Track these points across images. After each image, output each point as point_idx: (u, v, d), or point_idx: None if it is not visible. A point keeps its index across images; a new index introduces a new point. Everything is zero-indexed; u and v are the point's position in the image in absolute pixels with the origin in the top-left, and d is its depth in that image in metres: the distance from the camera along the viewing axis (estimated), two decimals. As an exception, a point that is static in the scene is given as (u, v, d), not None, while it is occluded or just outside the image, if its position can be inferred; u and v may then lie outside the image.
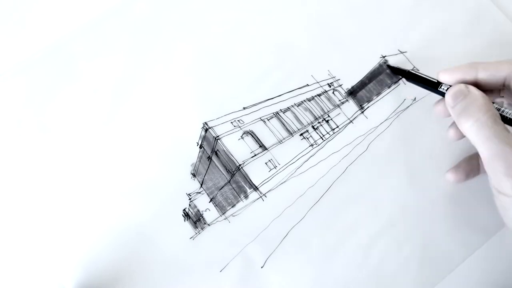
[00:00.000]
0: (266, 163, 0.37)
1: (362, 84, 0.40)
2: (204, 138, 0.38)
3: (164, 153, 0.37)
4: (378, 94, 0.39)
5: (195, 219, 0.36)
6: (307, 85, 0.39)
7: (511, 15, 0.41)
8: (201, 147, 0.38)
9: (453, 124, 0.33)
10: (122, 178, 0.37)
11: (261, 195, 0.37)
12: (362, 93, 0.40)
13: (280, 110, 0.39)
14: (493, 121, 0.27)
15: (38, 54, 0.40)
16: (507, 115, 0.29)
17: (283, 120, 0.39)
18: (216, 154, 0.38)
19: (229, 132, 0.38)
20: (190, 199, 0.36)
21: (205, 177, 0.37)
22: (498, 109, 0.29)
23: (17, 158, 0.37)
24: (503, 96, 0.33)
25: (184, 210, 0.36)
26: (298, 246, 0.35)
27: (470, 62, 0.32)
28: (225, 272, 0.35)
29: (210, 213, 0.36)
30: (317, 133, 0.39)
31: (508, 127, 0.29)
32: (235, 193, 0.37)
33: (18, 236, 0.35)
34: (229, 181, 0.37)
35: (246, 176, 0.37)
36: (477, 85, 0.30)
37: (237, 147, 0.38)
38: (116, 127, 0.38)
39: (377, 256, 0.35)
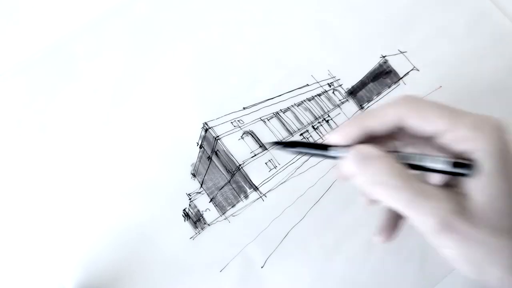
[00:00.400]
0: (266, 163, 0.37)
1: (362, 84, 0.40)
2: (204, 138, 0.38)
3: (164, 153, 0.37)
4: (378, 94, 0.39)
5: (195, 219, 0.36)
6: (307, 85, 0.39)
7: (511, 15, 0.41)
8: (201, 147, 0.38)
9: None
10: (122, 178, 0.37)
11: (261, 195, 0.37)
12: (362, 93, 0.40)
13: (280, 110, 0.39)
14: (404, 182, 0.25)
15: (38, 54, 0.40)
16: (413, 163, 0.26)
17: (283, 120, 0.39)
18: (216, 154, 0.38)
19: (229, 132, 0.38)
20: (190, 199, 0.36)
21: (205, 177, 0.37)
22: (403, 158, 0.26)
23: (17, 158, 0.37)
24: (395, 139, 0.29)
25: (184, 210, 0.36)
26: (298, 246, 0.35)
27: (356, 115, 0.29)
28: (225, 272, 0.35)
29: (210, 213, 0.36)
30: (317, 133, 0.39)
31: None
32: (235, 193, 0.37)
33: (18, 236, 0.35)
34: (229, 181, 0.37)
35: (246, 176, 0.37)
36: (369, 138, 0.27)
37: (237, 147, 0.38)
38: (116, 127, 0.38)
39: (377, 256, 0.35)
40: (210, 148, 0.38)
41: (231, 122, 0.38)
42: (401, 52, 0.40)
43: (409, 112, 0.26)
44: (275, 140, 0.34)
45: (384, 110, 0.27)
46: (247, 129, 0.38)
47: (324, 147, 0.28)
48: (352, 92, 0.39)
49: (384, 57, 0.40)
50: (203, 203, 0.37)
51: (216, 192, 0.37)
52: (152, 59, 0.40)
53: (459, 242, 0.25)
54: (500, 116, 0.38)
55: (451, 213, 0.24)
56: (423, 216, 0.25)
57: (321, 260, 0.35)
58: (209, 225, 0.36)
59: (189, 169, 0.37)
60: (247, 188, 0.37)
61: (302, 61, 0.40)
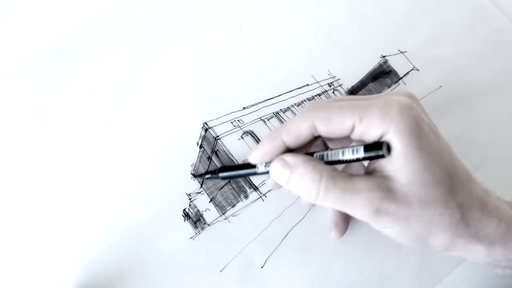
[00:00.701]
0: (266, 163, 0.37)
1: (362, 84, 0.40)
2: (204, 138, 0.38)
3: (164, 153, 0.37)
4: (379, 93, 0.39)
5: (195, 219, 0.36)
6: (307, 85, 0.39)
7: (511, 15, 0.41)
8: (201, 147, 0.38)
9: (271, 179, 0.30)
10: (122, 178, 0.37)
11: (261, 195, 0.37)
12: (362, 93, 0.40)
13: (280, 110, 0.39)
14: (331, 182, 0.26)
15: (38, 54, 0.40)
16: (331, 159, 0.27)
17: (283, 120, 0.39)
18: (216, 154, 0.38)
19: (229, 132, 0.38)
20: (190, 199, 0.36)
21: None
22: (321, 157, 0.27)
23: (17, 158, 0.37)
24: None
25: (184, 210, 0.36)
26: (298, 246, 0.35)
27: (271, 131, 0.30)
28: (225, 272, 0.35)
29: (210, 213, 0.36)
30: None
31: None
32: (235, 193, 0.37)
33: (19, 236, 0.35)
34: (229, 181, 0.37)
35: (246, 176, 0.37)
36: (290, 149, 0.28)
37: (237, 147, 0.38)
38: (116, 127, 0.38)
39: (377, 256, 0.35)
40: (210, 148, 0.38)
41: (231, 122, 0.38)
42: (401, 52, 0.40)
43: (318, 121, 0.27)
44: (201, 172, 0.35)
45: (296, 125, 0.27)
46: (247, 129, 0.38)
47: (252, 166, 0.29)
48: (352, 92, 0.39)
49: (384, 57, 0.40)
50: (203, 203, 0.36)
51: (216, 192, 0.37)
52: (152, 59, 0.40)
53: (397, 222, 0.26)
54: (500, 116, 0.38)
55: (381, 199, 0.25)
56: (357, 209, 0.26)
57: (321, 260, 0.35)
58: (209, 225, 0.36)
59: (189, 169, 0.37)
60: (247, 188, 0.37)
61: (302, 61, 0.40)
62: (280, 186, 0.29)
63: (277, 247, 0.35)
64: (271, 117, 0.39)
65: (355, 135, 0.26)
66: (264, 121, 0.38)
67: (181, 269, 0.35)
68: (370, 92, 0.39)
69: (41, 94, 0.39)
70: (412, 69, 0.39)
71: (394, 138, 0.24)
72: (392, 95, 0.26)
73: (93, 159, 0.37)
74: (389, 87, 0.39)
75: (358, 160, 0.26)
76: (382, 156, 0.25)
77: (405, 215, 0.25)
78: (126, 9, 0.42)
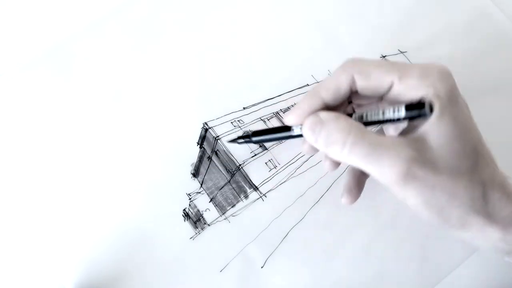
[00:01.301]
0: (266, 163, 0.37)
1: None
2: (204, 138, 0.38)
3: (164, 153, 0.38)
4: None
5: (195, 219, 0.36)
6: (307, 85, 0.39)
7: (511, 15, 0.41)
8: (201, 147, 0.38)
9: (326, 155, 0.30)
10: (122, 178, 0.37)
11: (261, 195, 0.37)
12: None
13: (280, 110, 0.39)
14: (360, 137, 0.25)
15: (38, 54, 0.40)
16: (371, 119, 0.27)
17: (283, 120, 0.39)
18: (216, 154, 0.38)
19: (229, 132, 0.38)
20: (190, 199, 0.36)
21: (205, 177, 0.37)
22: (361, 118, 0.27)
23: (17, 158, 0.37)
24: (350, 102, 0.31)
25: (184, 210, 0.36)
26: (298, 246, 0.35)
27: (309, 90, 0.29)
28: (225, 272, 0.35)
29: (210, 213, 0.36)
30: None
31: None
32: (235, 193, 0.37)
33: (19, 236, 0.36)
34: (229, 181, 0.37)
35: (246, 176, 0.37)
36: (328, 108, 0.28)
37: (237, 147, 0.38)
38: (116, 127, 0.38)
39: (377, 256, 0.35)
40: (210, 148, 0.38)
41: (231, 122, 0.38)
42: (401, 52, 0.40)
43: (357, 74, 0.27)
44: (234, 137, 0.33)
45: (335, 80, 0.27)
46: (247, 129, 0.38)
47: (287, 128, 0.29)
48: (352, 92, 0.39)
49: (384, 57, 0.40)
50: (203, 203, 0.36)
51: (216, 192, 0.37)
52: (152, 59, 0.40)
53: (422, 189, 0.25)
54: (501, 116, 0.38)
55: (411, 160, 0.25)
56: (383, 168, 0.25)
57: (321, 260, 0.35)
58: (209, 225, 0.36)
59: (189, 169, 0.37)
60: (247, 188, 0.37)
61: (302, 61, 0.40)
62: (314, 151, 0.29)
63: (277, 247, 0.35)
64: (271, 117, 0.39)
65: (391, 95, 0.26)
66: (264, 121, 0.38)
67: (181, 269, 0.35)
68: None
69: (41, 94, 0.39)
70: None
71: (435, 101, 0.24)
72: (431, 64, 0.26)
73: (93, 159, 0.37)
74: (389, 87, 0.39)
75: (398, 120, 0.25)
76: (423, 116, 0.24)
77: (432, 182, 0.25)
78: (126, 10, 0.42)
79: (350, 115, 0.27)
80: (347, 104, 0.30)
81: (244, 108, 0.39)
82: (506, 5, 0.41)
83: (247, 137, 0.31)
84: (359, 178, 0.32)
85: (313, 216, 0.36)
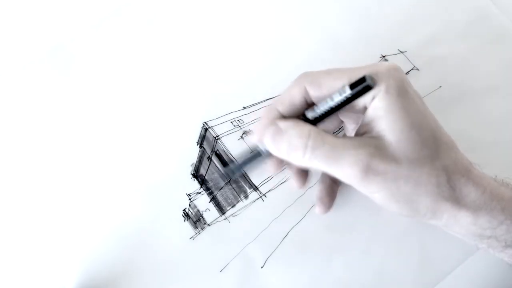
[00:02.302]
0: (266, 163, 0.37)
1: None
2: (204, 137, 0.38)
3: (164, 153, 0.37)
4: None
5: (195, 219, 0.36)
6: (307, 85, 0.39)
7: (511, 15, 0.41)
8: (201, 147, 0.38)
9: (293, 172, 0.31)
10: (122, 178, 0.37)
11: (261, 195, 0.37)
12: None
13: (280, 110, 0.39)
14: (319, 140, 0.26)
15: (38, 54, 0.40)
16: (323, 109, 0.27)
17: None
18: (216, 154, 0.38)
19: (229, 132, 0.38)
20: (190, 199, 0.36)
21: (205, 177, 0.37)
22: (314, 114, 0.28)
23: (17, 158, 0.37)
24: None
25: (184, 210, 0.36)
26: (298, 246, 0.35)
27: (266, 107, 0.31)
28: (225, 272, 0.35)
29: (210, 213, 0.36)
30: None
31: None
32: (235, 193, 0.37)
33: (19, 236, 0.36)
34: (229, 181, 0.37)
35: (246, 176, 0.37)
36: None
37: (237, 147, 0.38)
38: (116, 127, 0.38)
39: (377, 256, 0.35)
40: (210, 147, 0.38)
41: (231, 122, 0.38)
42: (401, 52, 0.40)
43: (308, 85, 0.28)
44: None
45: (288, 93, 0.29)
46: (247, 128, 0.38)
47: (257, 152, 0.30)
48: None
49: (384, 57, 0.40)
50: (203, 203, 0.36)
51: (216, 192, 0.37)
52: (152, 59, 0.40)
53: (386, 183, 0.26)
54: (500, 116, 0.38)
55: (370, 156, 0.25)
56: (345, 168, 0.26)
57: (321, 260, 0.35)
58: (209, 225, 0.36)
59: (189, 169, 0.37)
60: (247, 188, 0.37)
61: (302, 61, 0.40)
62: (278, 168, 0.30)
63: (277, 247, 0.35)
64: (271, 117, 0.39)
65: (357, 104, 0.27)
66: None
67: (181, 269, 0.35)
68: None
69: (41, 94, 0.39)
70: (412, 69, 0.39)
71: (382, 97, 0.25)
72: (380, 62, 0.28)
73: (93, 159, 0.37)
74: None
75: (347, 101, 0.26)
76: (369, 89, 0.25)
77: (394, 175, 0.26)
78: (126, 10, 0.42)
79: (305, 118, 0.28)
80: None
81: (244, 107, 0.39)
82: (506, 5, 0.41)
83: (230, 172, 0.33)
84: (331, 188, 0.33)
85: (313, 216, 0.36)
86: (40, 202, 0.36)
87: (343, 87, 0.26)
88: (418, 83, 0.39)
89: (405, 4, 0.42)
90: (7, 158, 0.37)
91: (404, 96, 0.26)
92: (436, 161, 0.26)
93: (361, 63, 0.40)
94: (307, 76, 0.28)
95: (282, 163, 0.30)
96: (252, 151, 0.30)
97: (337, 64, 0.39)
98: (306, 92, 0.28)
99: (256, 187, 0.37)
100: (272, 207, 0.36)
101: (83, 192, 0.36)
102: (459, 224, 0.28)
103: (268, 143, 0.28)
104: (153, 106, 0.39)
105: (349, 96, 0.26)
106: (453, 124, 0.38)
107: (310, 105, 0.29)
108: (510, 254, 0.29)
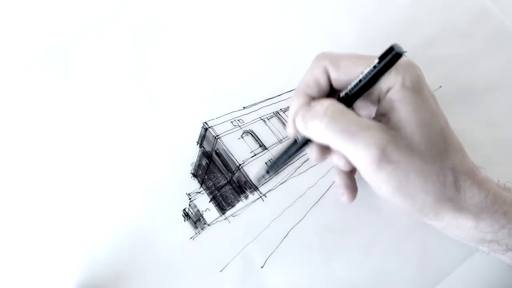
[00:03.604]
0: (266, 163, 0.37)
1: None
2: (204, 137, 0.38)
3: (164, 152, 0.37)
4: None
5: (195, 219, 0.36)
6: (307, 85, 0.39)
7: (511, 15, 0.41)
8: (201, 146, 0.38)
9: (313, 147, 0.30)
10: (122, 178, 0.37)
11: (261, 195, 0.37)
12: (362, 93, 0.39)
13: (280, 109, 0.39)
14: (339, 112, 0.26)
15: (38, 54, 0.40)
16: (354, 85, 0.27)
17: (283, 120, 0.39)
18: (216, 153, 0.38)
19: (229, 132, 0.38)
20: (190, 199, 0.36)
21: (205, 177, 0.37)
22: (346, 91, 0.28)
23: (17, 159, 0.37)
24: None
25: (184, 210, 0.36)
26: (298, 246, 0.35)
27: (292, 93, 0.30)
28: (225, 272, 0.35)
29: (210, 213, 0.36)
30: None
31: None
32: (235, 193, 0.37)
33: (19, 236, 0.35)
34: (229, 181, 0.37)
35: (246, 176, 0.37)
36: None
37: (237, 147, 0.38)
38: (116, 127, 0.38)
39: (377, 256, 0.35)
40: (210, 147, 0.38)
41: (231, 122, 0.38)
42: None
43: (329, 66, 0.28)
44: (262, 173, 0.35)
45: (311, 74, 0.29)
46: (247, 128, 0.38)
47: (293, 142, 0.30)
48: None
49: (384, 57, 0.40)
50: (203, 203, 0.36)
51: (216, 192, 0.37)
52: (152, 59, 0.40)
53: (397, 173, 0.26)
54: (500, 116, 0.38)
55: (386, 142, 0.25)
56: (359, 148, 0.25)
57: (321, 260, 0.35)
58: (209, 225, 0.36)
59: (189, 169, 0.37)
60: (247, 188, 0.37)
61: (302, 61, 0.40)
62: (321, 158, 0.29)
63: (277, 247, 0.35)
64: (271, 117, 0.39)
65: (372, 93, 0.27)
66: (264, 121, 0.38)
67: (181, 269, 0.35)
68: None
69: (41, 95, 0.39)
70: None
71: (398, 89, 0.26)
72: None
73: (93, 159, 0.37)
74: (389, 87, 0.39)
75: (378, 74, 0.26)
76: (399, 56, 0.25)
77: (407, 167, 0.26)
78: (126, 10, 0.42)
79: (339, 97, 0.28)
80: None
81: (244, 107, 0.39)
82: (506, 5, 0.41)
83: (266, 173, 0.34)
84: (349, 175, 0.32)
85: (313, 216, 0.36)
86: (40, 202, 0.36)
87: (373, 61, 0.26)
88: (418, 83, 0.39)
89: (405, 4, 0.42)
90: (7, 158, 0.37)
91: (419, 92, 0.26)
92: (446, 160, 0.26)
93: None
94: (326, 55, 0.28)
95: (324, 151, 0.29)
96: (286, 146, 0.31)
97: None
98: (328, 72, 0.28)
99: (256, 187, 0.37)
100: (272, 207, 0.36)
101: (83, 192, 0.36)
102: (460, 227, 0.28)
103: (299, 126, 0.28)
104: (153, 106, 0.39)
105: (380, 67, 0.26)
106: (453, 124, 0.38)
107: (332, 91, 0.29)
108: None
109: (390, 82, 0.26)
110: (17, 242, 0.35)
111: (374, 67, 0.26)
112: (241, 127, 0.38)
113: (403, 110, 0.26)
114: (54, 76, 0.40)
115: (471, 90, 0.39)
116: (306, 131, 0.28)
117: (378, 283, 0.34)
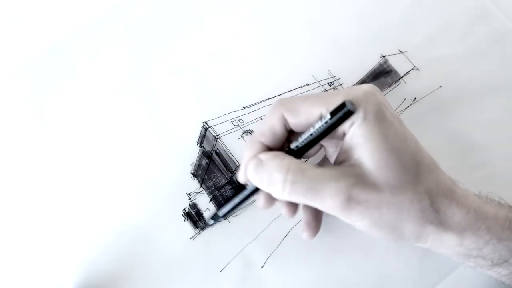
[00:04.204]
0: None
1: (362, 83, 0.40)
2: (204, 137, 0.38)
3: (164, 152, 0.37)
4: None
5: (195, 219, 0.36)
6: (307, 84, 0.39)
7: (511, 15, 0.41)
8: (201, 146, 0.38)
9: (261, 195, 0.29)
10: (122, 178, 0.37)
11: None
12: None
13: (280, 109, 0.39)
14: (299, 174, 0.25)
15: (38, 54, 0.40)
16: (305, 139, 0.27)
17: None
18: (216, 153, 0.38)
19: (229, 132, 0.38)
20: (190, 199, 0.36)
21: (205, 176, 0.37)
22: (297, 144, 0.27)
23: (17, 158, 0.37)
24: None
25: (184, 210, 0.36)
26: (298, 246, 0.35)
27: (248, 142, 0.30)
28: (225, 272, 0.35)
29: (210, 213, 0.36)
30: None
31: None
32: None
33: (19, 236, 0.35)
34: (229, 181, 0.37)
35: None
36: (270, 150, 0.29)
37: (237, 147, 0.38)
38: (116, 127, 0.38)
39: (377, 256, 0.35)
40: (210, 147, 0.38)
41: (231, 121, 0.38)
42: (401, 52, 0.40)
43: (286, 113, 0.27)
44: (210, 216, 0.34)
45: (268, 123, 0.28)
46: (247, 128, 0.38)
47: (243, 187, 0.30)
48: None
49: (384, 56, 0.40)
50: (203, 203, 0.36)
51: (216, 192, 0.37)
52: (152, 59, 0.40)
53: (369, 211, 0.25)
54: (500, 116, 0.38)
55: (350, 187, 0.25)
56: (326, 200, 0.25)
57: (321, 260, 0.35)
58: (209, 225, 0.36)
59: (189, 169, 0.37)
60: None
61: (302, 61, 0.40)
62: (269, 204, 0.29)
63: (277, 247, 0.35)
64: (271, 117, 0.39)
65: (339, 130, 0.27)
66: (264, 121, 0.38)
67: (181, 269, 0.35)
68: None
69: (41, 94, 0.39)
70: (412, 69, 0.39)
71: (360, 124, 0.25)
72: (356, 86, 0.27)
73: (93, 159, 0.37)
74: (390, 86, 0.39)
75: (330, 128, 0.26)
76: (350, 113, 0.25)
77: (376, 203, 0.25)
78: (126, 9, 0.42)
79: (289, 149, 0.28)
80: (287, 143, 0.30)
81: (244, 107, 0.39)
82: (506, 5, 0.41)
83: (215, 216, 0.33)
84: (315, 213, 0.32)
85: (313, 216, 0.36)
86: (40, 202, 0.36)
87: (324, 114, 0.26)
88: (418, 83, 0.39)
89: (405, 4, 0.42)
90: (7, 158, 0.37)
91: (382, 121, 0.25)
92: (418, 185, 0.26)
93: (361, 63, 0.40)
94: (283, 103, 0.28)
95: (272, 199, 0.29)
96: (237, 192, 0.30)
97: (337, 64, 0.40)
98: (285, 120, 0.28)
99: (256, 187, 0.37)
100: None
101: (83, 192, 0.36)
102: (444, 246, 0.27)
103: (250, 176, 0.27)
104: (153, 106, 0.39)
105: (331, 123, 0.25)
106: (453, 124, 0.38)
107: (292, 133, 0.28)
108: (498, 272, 0.29)
109: (352, 117, 0.25)
110: (17, 242, 0.35)
111: (326, 122, 0.26)
112: (241, 127, 0.38)
113: (366, 145, 0.25)
114: (53, 76, 0.40)
115: (471, 90, 0.39)
116: (256, 182, 0.27)
117: (378, 283, 0.34)
